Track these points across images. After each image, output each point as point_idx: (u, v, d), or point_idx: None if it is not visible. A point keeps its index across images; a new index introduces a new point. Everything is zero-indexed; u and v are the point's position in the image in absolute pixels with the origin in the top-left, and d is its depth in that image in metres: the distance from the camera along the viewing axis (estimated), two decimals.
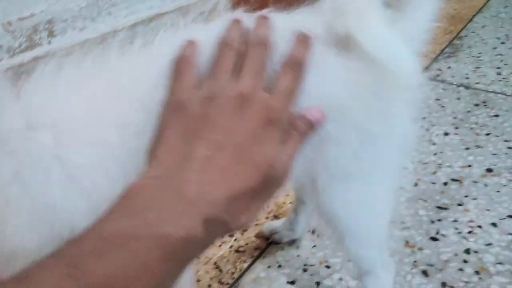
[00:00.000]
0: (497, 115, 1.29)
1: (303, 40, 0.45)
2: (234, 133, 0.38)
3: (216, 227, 0.35)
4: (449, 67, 1.58)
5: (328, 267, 0.87)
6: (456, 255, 0.87)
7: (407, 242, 0.91)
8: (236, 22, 0.45)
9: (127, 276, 0.29)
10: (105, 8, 0.93)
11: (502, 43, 1.71)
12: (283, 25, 0.46)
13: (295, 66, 0.43)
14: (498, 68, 1.54)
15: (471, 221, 0.95)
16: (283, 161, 0.40)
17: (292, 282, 0.84)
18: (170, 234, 0.32)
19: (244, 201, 0.36)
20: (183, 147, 0.37)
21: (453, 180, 1.07)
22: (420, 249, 0.89)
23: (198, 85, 0.41)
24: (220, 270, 0.87)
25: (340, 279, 0.84)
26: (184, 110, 0.39)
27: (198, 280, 0.84)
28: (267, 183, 0.39)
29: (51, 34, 0.85)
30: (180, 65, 0.43)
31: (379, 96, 0.51)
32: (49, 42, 0.85)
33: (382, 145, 0.54)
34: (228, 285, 0.84)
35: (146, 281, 0.30)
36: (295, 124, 0.42)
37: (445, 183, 1.06)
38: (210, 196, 0.34)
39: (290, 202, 0.97)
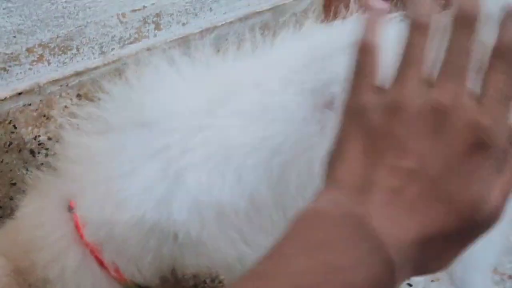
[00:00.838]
0: None
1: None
2: (429, 161, 0.29)
3: (401, 273, 0.28)
4: None
5: None
6: None
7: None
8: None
9: None
10: (207, 3, 0.95)
11: None
12: None
13: (509, 57, 0.30)
14: None
15: None
16: (494, 199, 0.30)
17: None
18: (355, 281, 0.27)
19: (436, 246, 0.29)
20: (365, 170, 0.29)
21: None
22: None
23: (379, 90, 0.31)
24: None
25: None
26: (365, 119, 0.30)
27: None
28: (471, 226, 0.30)
29: (157, 27, 0.87)
30: (364, 57, 0.31)
31: None
32: (155, 35, 0.87)
33: None
34: None
35: None
36: None
37: None
38: (398, 236, 0.28)
39: None
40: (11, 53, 0.69)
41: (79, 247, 0.56)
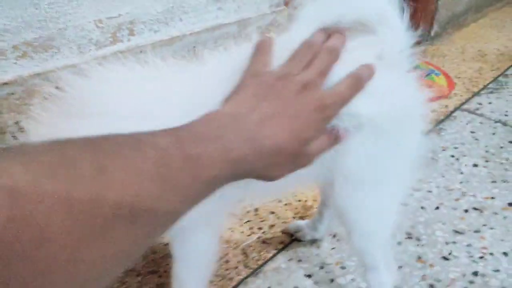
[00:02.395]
0: None
1: (368, 67, 0.55)
2: (291, 107, 0.48)
3: (263, 161, 0.46)
4: (490, 103, 1.63)
5: (343, 268, 0.96)
6: (464, 275, 0.94)
7: (419, 258, 0.98)
8: (322, 31, 0.56)
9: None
10: (177, 14, 1.07)
11: None
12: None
13: (356, 80, 0.54)
14: None
15: (484, 248, 1.01)
16: (315, 147, 0.51)
17: (309, 276, 0.94)
18: (235, 153, 0.43)
19: (282, 158, 0.48)
20: (253, 102, 0.48)
21: (474, 209, 1.13)
22: (431, 265, 0.97)
23: (274, 67, 0.53)
24: (247, 256, 0.98)
25: (353, 279, 0.93)
26: (259, 78, 0.50)
27: (227, 261, 0.96)
28: (298, 155, 0.49)
29: (131, 33, 1.00)
30: (261, 46, 0.54)
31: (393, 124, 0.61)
32: (129, 40, 0.99)
33: (395, 157, 0.64)
34: (252, 270, 0.94)
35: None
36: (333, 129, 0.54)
37: (466, 210, 1.12)
38: (265, 139, 0.46)
39: (316, 207, 1.07)
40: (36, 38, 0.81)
41: None
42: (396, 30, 0.57)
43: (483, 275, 0.94)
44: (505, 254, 0.99)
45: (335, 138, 0.55)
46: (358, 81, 0.54)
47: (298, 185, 0.73)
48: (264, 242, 1.02)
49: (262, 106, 0.48)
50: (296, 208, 1.12)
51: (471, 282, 0.93)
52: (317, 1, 0.57)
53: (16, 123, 0.85)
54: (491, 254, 0.99)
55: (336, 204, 0.69)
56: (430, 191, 1.19)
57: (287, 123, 0.48)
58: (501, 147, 1.38)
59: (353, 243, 0.72)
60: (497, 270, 0.95)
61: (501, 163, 1.30)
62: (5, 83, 0.82)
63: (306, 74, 0.51)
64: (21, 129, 0.85)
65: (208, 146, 0.42)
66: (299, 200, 1.15)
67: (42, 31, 0.85)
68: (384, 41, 0.58)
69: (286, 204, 1.13)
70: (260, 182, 0.63)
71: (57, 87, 0.88)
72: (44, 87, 0.85)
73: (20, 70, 0.84)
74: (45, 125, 0.64)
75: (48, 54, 0.87)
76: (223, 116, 0.46)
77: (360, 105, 0.56)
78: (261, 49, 0.54)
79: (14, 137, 0.85)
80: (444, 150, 1.37)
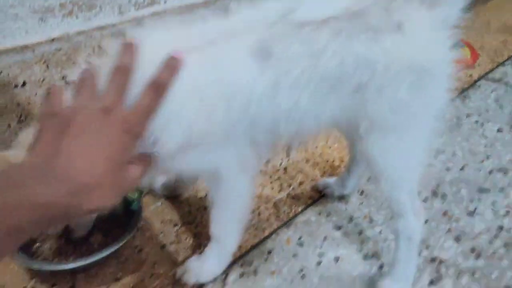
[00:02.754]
0: None
1: (171, 63, 0.53)
2: (97, 135, 0.48)
3: (83, 197, 0.46)
4: None
5: (371, 221, 1.00)
6: (488, 230, 0.97)
7: (445, 213, 1.02)
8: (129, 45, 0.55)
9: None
10: None
11: None
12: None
13: (157, 88, 0.53)
14: None
15: (509, 205, 1.04)
16: (133, 170, 0.52)
17: (339, 228, 0.98)
18: (40, 199, 0.43)
19: (103, 188, 0.47)
20: (55, 145, 0.47)
21: (499, 170, 1.15)
22: (456, 220, 1.00)
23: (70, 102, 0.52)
24: (278, 210, 1.02)
25: (380, 232, 0.97)
26: (56, 118, 0.49)
27: (259, 214, 1.00)
28: (118, 181, 0.50)
29: None
30: (51, 92, 0.53)
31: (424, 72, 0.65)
32: (165, 2, 1.03)
33: (420, 106, 0.67)
34: (283, 222, 0.99)
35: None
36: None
37: (490, 172, 1.15)
38: (79, 176, 0.46)
39: (343, 166, 1.11)
40: (48, 6, 0.86)
41: None
42: None
43: (508, 230, 0.97)
44: None
45: (149, 162, 0.57)
46: (158, 89, 0.53)
47: (322, 128, 0.75)
48: (293, 197, 1.06)
49: (67, 145, 0.47)
50: (324, 167, 1.16)
51: (496, 236, 0.96)
52: None
53: (63, 78, 0.90)
54: None
55: (364, 151, 0.73)
56: (454, 154, 1.22)
57: (98, 153, 0.47)
58: None
59: (382, 190, 0.76)
60: None
61: None
62: (53, 39, 0.87)
63: (103, 100, 0.51)
64: (67, 83, 0.90)
65: (7, 196, 0.42)
66: (327, 160, 1.18)
67: None
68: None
69: (313, 164, 1.17)
70: (288, 125, 0.67)
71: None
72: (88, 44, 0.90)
73: (67, 28, 0.89)
74: None
75: (92, 13, 0.91)
76: (24, 167, 0.46)
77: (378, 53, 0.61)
78: (51, 94, 0.53)
79: None
80: (468, 116, 1.39)
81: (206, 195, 1.04)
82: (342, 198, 1.06)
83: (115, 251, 0.85)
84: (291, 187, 1.09)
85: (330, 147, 1.23)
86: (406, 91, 0.66)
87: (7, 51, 0.81)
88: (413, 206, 0.77)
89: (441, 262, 0.90)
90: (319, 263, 0.90)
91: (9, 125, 0.86)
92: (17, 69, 0.83)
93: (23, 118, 0.86)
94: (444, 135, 1.28)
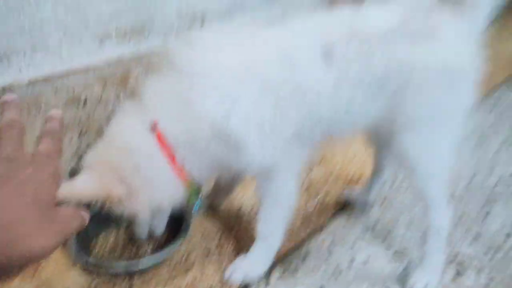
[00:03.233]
0: None
1: (50, 118, 0.56)
2: (15, 181, 0.47)
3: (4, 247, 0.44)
4: None
5: (395, 224, 1.08)
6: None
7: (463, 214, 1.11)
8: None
9: None
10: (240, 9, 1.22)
11: None
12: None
13: (51, 134, 0.54)
14: None
15: None
16: (63, 209, 0.52)
17: (367, 230, 1.06)
18: None
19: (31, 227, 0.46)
20: None
21: None
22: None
23: None
24: (309, 219, 1.10)
25: (404, 234, 1.05)
26: None
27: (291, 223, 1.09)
28: (50, 217, 0.49)
29: (202, 23, 1.14)
30: None
31: (455, 73, 0.76)
32: (202, 26, 1.14)
33: (451, 103, 0.78)
34: (315, 227, 1.07)
35: None
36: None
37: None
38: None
39: (363, 179, 1.19)
40: (104, 32, 0.95)
41: (159, 157, 0.78)
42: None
43: None
44: None
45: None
46: (53, 135, 0.55)
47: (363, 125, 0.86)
48: (321, 207, 1.14)
49: None
50: (345, 180, 1.25)
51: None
52: None
53: (118, 96, 0.99)
54: None
55: (397, 148, 0.82)
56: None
57: (22, 194, 0.47)
58: None
59: (415, 184, 0.85)
60: None
61: None
62: (109, 61, 0.97)
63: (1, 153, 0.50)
64: (121, 101, 0.99)
65: None
66: (347, 174, 1.28)
67: (137, 17, 1.00)
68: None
69: (336, 177, 1.26)
70: (345, 122, 0.78)
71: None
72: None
73: (120, 51, 0.99)
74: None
75: (141, 38, 1.02)
76: None
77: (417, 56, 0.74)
78: None
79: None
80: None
81: (241, 207, 1.12)
82: (366, 205, 1.15)
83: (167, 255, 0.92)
84: (318, 198, 1.17)
85: (349, 162, 1.33)
86: (439, 90, 0.77)
87: (74, 72, 0.91)
88: (443, 200, 0.86)
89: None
90: (352, 261, 0.98)
91: (71, 138, 0.94)
92: (81, 87, 0.92)
93: (83, 133, 0.95)
94: None
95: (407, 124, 0.80)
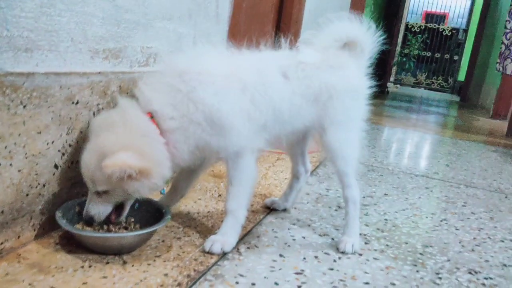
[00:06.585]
0: None
1: None
2: None
3: None
4: None
5: (313, 220, 1.41)
6: None
7: None
8: None
9: None
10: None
11: None
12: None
13: None
14: None
15: None
16: None
17: (294, 224, 1.36)
18: None
19: None
20: None
21: None
22: None
23: None
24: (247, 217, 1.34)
25: (321, 227, 1.38)
26: None
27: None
28: None
29: (155, 60, 1.39)
30: None
31: (357, 91, 1.21)
32: (153, 66, 1.38)
33: (355, 110, 1.23)
34: (255, 222, 1.31)
35: None
36: None
37: None
38: None
39: (278, 191, 1.51)
40: (97, 49, 1.13)
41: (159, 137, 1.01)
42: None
43: None
44: None
45: None
46: None
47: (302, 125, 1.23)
48: (253, 212, 1.40)
49: None
50: (265, 192, 1.54)
51: None
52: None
53: (98, 104, 1.14)
54: None
55: (326, 141, 1.20)
56: None
57: None
58: None
59: (337, 167, 1.22)
60: None
61: None
62: (98, 73, 1.13)
63: None
64: (99, 110, 1.14)
65: None
66: (267, 187, 1.58)
67: (116, 44, 1.20)
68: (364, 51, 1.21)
69: (256, 191, 1.55)
70: (294, 121, 1.16)
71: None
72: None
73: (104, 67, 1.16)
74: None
75: (117, 61, 1.21)
76: None
77: (335, 80, 1.17)
78: None
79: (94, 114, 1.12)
80: None
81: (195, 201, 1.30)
82: (285, 210, 1.45)
83: (149, 235, 1.07)
84: (251, 204, 1.43)
85: (267, 180, 1.63)
86: (349, 102, 1.20)
87: (73, 74, 1.05)
88: (355, 178, 1.24)
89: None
90: (293, 238, 1.25)
91: (60, 135, 1.04)
92: (76, 89, 1.06)
93: (70, 132, 1.06)
94: None
95: (331, 124, 1.19)
